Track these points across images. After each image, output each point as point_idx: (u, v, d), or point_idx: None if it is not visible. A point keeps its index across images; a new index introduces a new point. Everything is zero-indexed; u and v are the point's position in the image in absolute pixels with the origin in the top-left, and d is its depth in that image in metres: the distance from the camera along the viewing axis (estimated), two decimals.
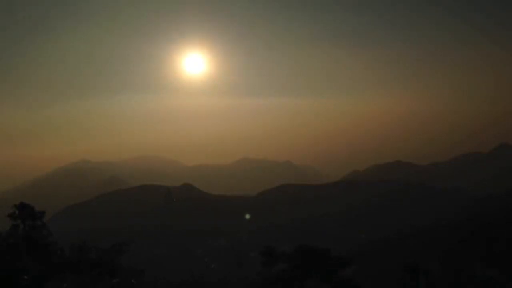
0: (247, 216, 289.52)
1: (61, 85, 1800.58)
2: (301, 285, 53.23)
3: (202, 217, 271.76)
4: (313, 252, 53.05)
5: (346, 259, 54.99)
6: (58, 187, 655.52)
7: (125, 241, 59.28)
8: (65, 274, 53.80)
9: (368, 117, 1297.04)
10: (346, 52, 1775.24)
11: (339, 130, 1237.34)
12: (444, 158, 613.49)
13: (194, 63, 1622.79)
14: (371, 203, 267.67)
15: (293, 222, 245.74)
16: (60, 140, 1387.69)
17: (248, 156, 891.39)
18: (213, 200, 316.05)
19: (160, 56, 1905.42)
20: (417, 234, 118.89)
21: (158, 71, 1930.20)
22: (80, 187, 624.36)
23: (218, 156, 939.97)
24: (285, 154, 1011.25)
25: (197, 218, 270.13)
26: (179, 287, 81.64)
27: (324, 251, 53.17)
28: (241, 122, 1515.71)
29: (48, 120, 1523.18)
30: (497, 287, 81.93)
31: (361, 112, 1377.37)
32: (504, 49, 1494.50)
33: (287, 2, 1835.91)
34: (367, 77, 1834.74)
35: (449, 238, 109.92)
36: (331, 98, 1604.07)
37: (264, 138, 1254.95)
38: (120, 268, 57.24)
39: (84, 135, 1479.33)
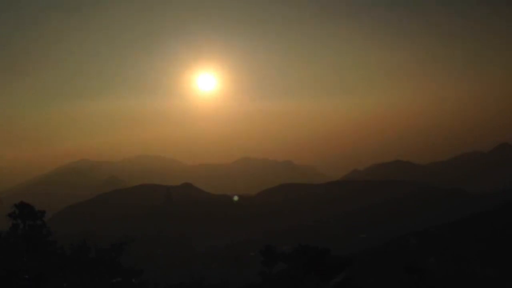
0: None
1: (62, 85, 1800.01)
2: (301, 285, 53.18)
3: (202, 216, 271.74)
4: (313, 252, 52.96)
5: (346, 259, 54.95)
6: (58, 186, 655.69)
7: (125, 241, 59.20)
8: (65, 273, 53.75)
9: (368, 117, 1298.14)
10: (346, 53, 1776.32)
11: (339, 130, 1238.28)
12: (444, 157, 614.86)
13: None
14: (372, 203, 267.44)
15: (293, 222, 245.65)
16: (60, 139, 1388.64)
17: (248, 156, 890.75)
18: (213, 200, 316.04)
19: (160, 60, 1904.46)
20: (417, 234, 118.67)
21: (158, 74, 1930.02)
22: (80, 187, 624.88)
23: (218, 156, 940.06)
24: (285, 154, 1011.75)
25: (196, 217, 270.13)
26: (179, 287, 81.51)
27: (324, 251, 53.08)
28: (242, 122, 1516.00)
29: (48, 119, 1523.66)
30: (497, 287, 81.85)
31: (361, 112, 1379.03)
32: (504, 49, 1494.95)
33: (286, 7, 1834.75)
34: (367, 77, 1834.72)
35: (449, 238, 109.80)
36: (331, 98, 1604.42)
37: (264, 138, 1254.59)
38: (120, 268, 57.19)
39: (84, 134, 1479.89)
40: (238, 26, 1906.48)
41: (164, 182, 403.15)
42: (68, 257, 54.62)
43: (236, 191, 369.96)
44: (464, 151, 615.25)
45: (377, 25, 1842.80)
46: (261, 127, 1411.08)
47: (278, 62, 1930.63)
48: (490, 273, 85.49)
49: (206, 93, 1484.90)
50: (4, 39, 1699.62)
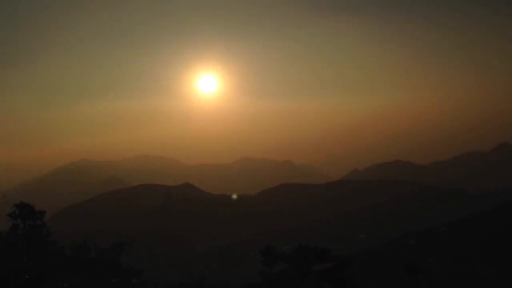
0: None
1: (62, 85, 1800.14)
2: (301, 285, 53.20)
3: (202, 216, 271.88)
4: (313, 252, 52.96)
5: (346, 259, 54.95)
6: (59, 186, 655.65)
7: (125, 241, 59.17)
8: (65, 273, 53.74)
9: (367, 117, 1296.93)
10: (346, 54, 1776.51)
11: (339, 130, 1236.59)
12: (444, 157, 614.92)
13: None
14: (372, 203, 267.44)
15: (293, 222, 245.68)
16: (60, 139, 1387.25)
17: (248, 156, 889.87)
18: (213, 200, 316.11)
19: (161, 60, 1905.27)
20: (417, 234, 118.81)
21: (159, 74, 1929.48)
22: (80, 186, 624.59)
23: (218, 156, 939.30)
24: (285, 153, 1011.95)
25: (196, 217, 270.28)
26: (179, 287, 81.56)
27: (324, 251, 53.09)
28: (241, 122, 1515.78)
29: (48, 119, 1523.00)
30: (497, 287, 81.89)
31: (361, 112, 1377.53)
32: (504, 49, 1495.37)
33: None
34: (367, 77, 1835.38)
35: (449, 238, 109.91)
36: (331, 98, 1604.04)
37: (264, 138, 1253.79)
38: (120, 268, 57.18)
39: (85, 134, 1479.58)
40: (238, 26, 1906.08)
41: (164, 182, 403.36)
42: (68, 257, 54.60)
43: (236, 191, 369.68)
44: (464, 151, 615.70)
45: (378, 26, 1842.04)
46: (261, 127, 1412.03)
47: (278, 62, 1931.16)
48: (490, 273, 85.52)
49: (206, 93, 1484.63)
50: (4, 39, 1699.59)
